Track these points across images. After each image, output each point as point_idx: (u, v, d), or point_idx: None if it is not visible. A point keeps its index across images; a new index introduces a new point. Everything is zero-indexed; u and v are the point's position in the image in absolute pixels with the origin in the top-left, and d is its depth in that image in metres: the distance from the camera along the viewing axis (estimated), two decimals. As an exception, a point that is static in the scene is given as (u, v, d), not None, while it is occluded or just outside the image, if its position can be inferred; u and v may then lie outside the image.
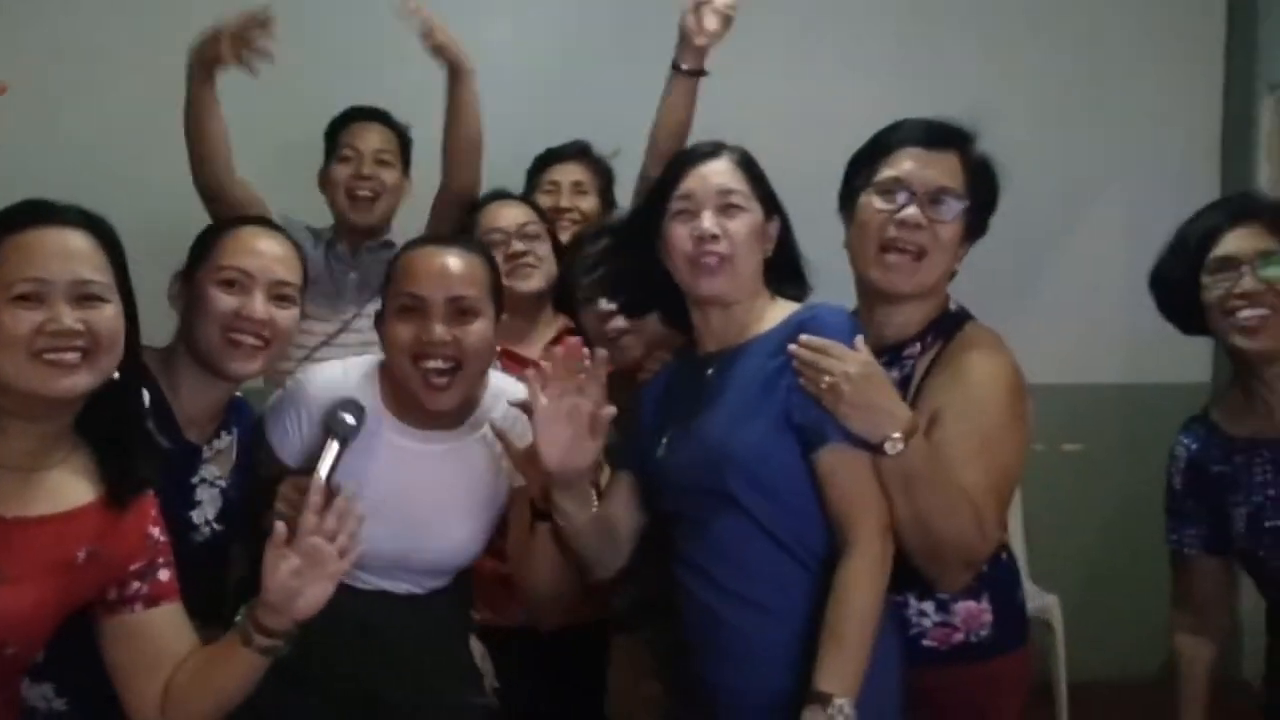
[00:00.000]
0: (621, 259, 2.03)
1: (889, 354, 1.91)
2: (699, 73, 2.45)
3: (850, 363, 1.71)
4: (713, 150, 1.89)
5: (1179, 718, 2.15)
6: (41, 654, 1.62)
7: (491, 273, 2.03)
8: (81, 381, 1.50)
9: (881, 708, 1.71)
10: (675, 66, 2.46)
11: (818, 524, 1.74)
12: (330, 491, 1.69)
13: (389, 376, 2.01)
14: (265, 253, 1.95)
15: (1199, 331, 2.07)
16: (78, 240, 1.52)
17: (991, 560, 1.86)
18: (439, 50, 2.70)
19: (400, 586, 2.01)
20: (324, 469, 1.77)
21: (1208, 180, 4.08)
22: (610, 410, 1.79)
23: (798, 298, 1.91)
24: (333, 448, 1.82)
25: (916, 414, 1.78)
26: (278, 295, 1.93)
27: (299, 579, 1.60)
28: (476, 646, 2.19)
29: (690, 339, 1.95)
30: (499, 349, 2.18)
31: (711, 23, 2.40)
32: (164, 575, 1.65)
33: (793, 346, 1.75)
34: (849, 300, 1.98)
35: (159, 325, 1.93)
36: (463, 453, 2.02)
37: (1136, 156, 4.09)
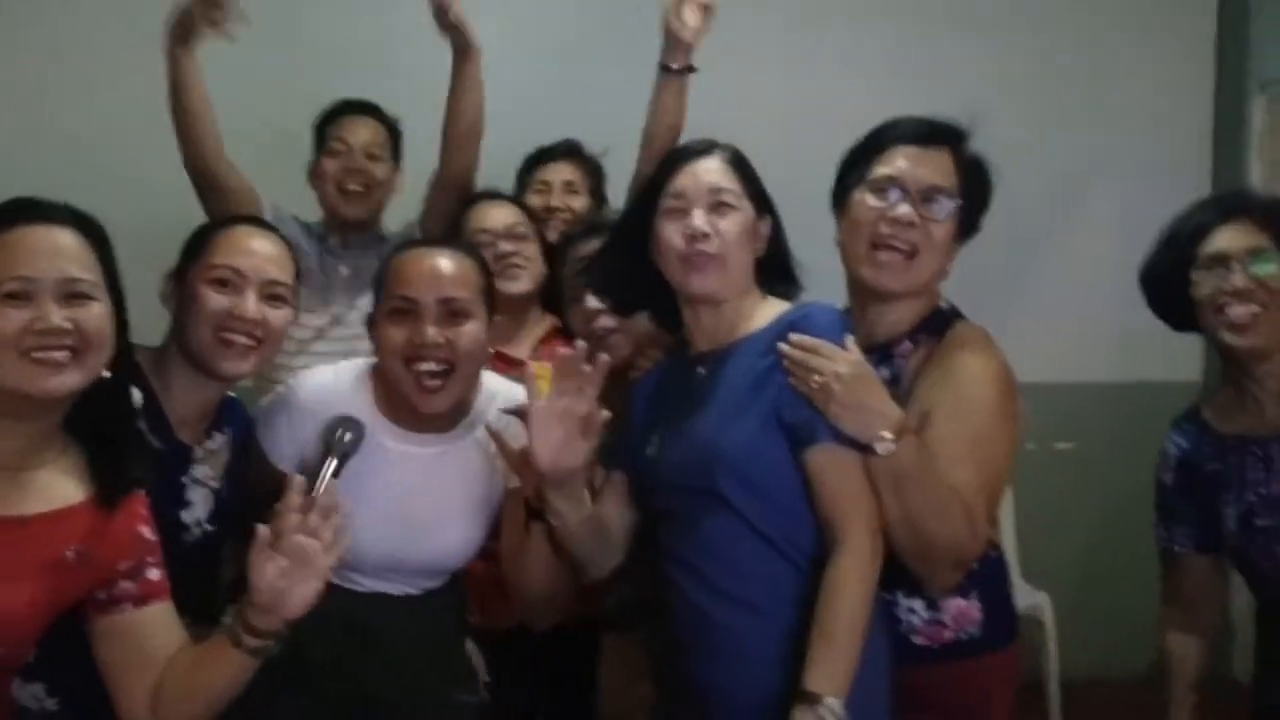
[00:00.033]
0: (613, 258, 2.03)
1: (879, 352, 1.91)
2: (688, 70, 2.45)
3: (841, 362, 1.71)
4: (705, 148, 1.89)
5: (1167, 716, 2.15)
6: (33, 654, 1.62)
7: (483, 274, 2.03)
8: (70, 380, 1.50)
9: (872, 707, 1.71)
10: (664, 67, 2.45)
11: (808, 523, 1.74)
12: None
13: (381, 380, 2.01)
14: (258, 252, 1.94)
15: (1189, 328, 2.06)
16: (66, 238, 1.52)
17: (981, 558, 1.86)
18: (452, 27, 2.64)
19: (396, 588, 2.01)
20: (320, 486, 1.74)
21: (1199, 178, 4.10)
22: (604, 414, 1.79)
23: (789, 297, 1.92)
24: (329, 465, 1.80)
25: (907, 413, 1.77)
26: (270, 295, 1.93)
27: (286, 579, 1.60)
28: (468, 644, 2.19)
29: (681, 338, 1.95)
30: (487, 350, 2.18)
31: (693, 17, 2.39)
32: (154, 574, 1.65)
33: (783, 346, 1.75)
34: (840, 300, 1.98)
35: (153, 325, 1.93)
36: (457, 455, 2.01)
37: (1128, 155, 4.10)
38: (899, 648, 1.84)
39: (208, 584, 2.00)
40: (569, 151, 3.02)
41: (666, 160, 1.92)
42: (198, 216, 2.49)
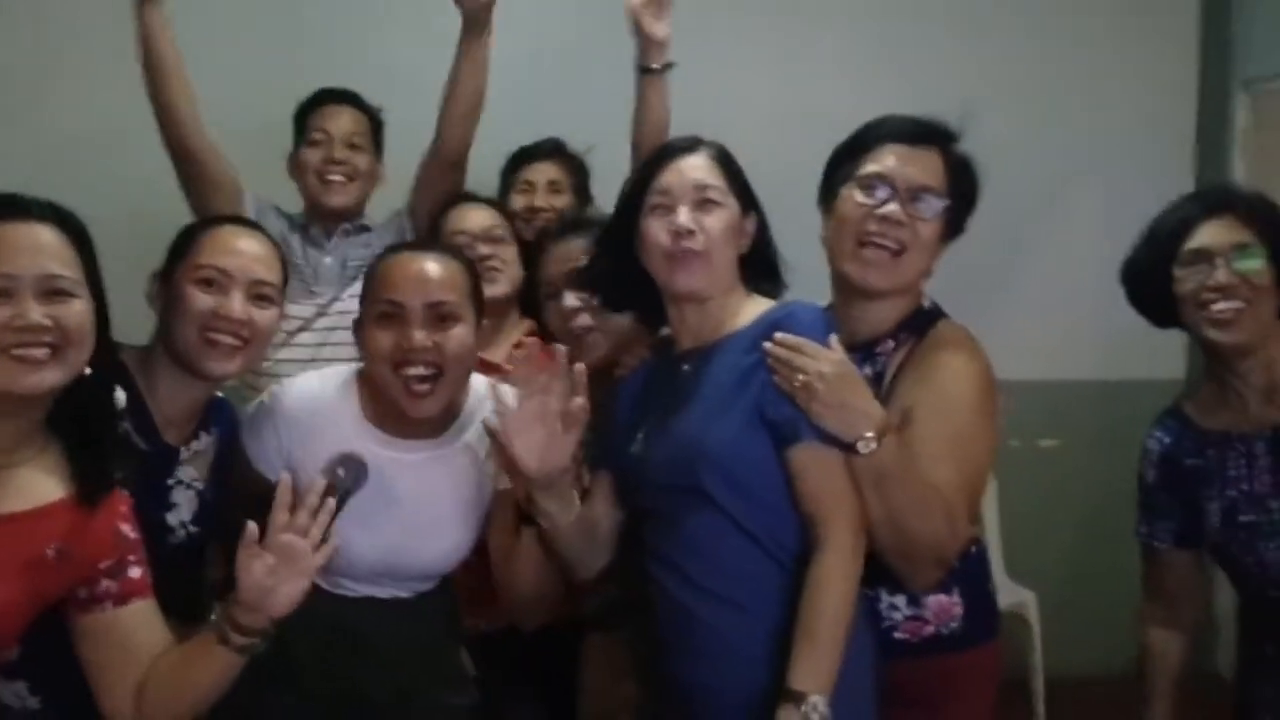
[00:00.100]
0: (599, 256, 2.03)
1: (862, 350, 1.91)
2: (667, 67, 2.44)
3: (824, 362, 1.71)
4: (690, 145, 1.89)
5: (1146, 710, 2.15)
6: (15, 652, 1.62)
7: (471, 277, 2.02)
8: (50, 377, 1.49)
9: (856, 704, 1.71)
10: (644, 69, 2.44)
11: (792, 521, 1.74)
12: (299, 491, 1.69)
13: (368, 385, 1.99)
14: (244, 252, 1.93)
15: (1170, 324, 2.05)
16: (46, 235, 1.51)
17: (962, 554, 1.86)
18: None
19: (386, 591, 2.00)
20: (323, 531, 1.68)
21: (1183, 177, 4.10)
22: (581, 401, 1.78)
23: (774, 295, 1.92)
24: (330, 505, 1.72)
25: (888, 411, 1.78)
26: (257, 295, 1.92)
27: (273, 577, 1.60)
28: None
29: (665, 336, 1.95)
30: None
31: (650, 9, 2.38)
32: (135, 573, 1.64)
33: (767, 344, 1.75)
34: (824, 298, 1.98)
35: (140, 325, 1.93)
36: (446, 460, 2.00)
37: (1112, 153, 4.10)
38: (882, 644, 1.84)
39: (192, 585, 2.00)
40: (553, 150, 3.00)
41: (652, 157, 1.92)
42: (184, 216, 2.48)
